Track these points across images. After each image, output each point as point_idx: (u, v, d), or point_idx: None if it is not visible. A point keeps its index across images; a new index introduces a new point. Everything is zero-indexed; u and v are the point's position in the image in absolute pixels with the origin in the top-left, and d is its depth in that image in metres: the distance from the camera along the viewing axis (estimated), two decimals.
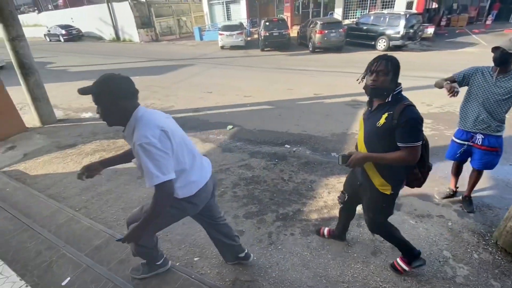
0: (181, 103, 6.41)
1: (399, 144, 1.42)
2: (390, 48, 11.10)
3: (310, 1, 17.72)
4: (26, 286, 1.47)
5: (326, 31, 11.05)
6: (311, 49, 12.00)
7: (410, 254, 1.85)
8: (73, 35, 20.63)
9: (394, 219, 2.46)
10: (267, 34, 12.28)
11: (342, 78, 7.64)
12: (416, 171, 1.59)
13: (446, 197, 2.70)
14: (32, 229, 2.14)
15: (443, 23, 15.37)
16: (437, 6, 16.12)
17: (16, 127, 5.04)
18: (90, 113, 6.07)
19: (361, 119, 1.67)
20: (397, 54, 11.00)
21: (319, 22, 11.26)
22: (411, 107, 1.41)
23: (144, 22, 19.37)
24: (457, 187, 2.70)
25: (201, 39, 17.99)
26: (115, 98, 1.27)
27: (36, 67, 5.22)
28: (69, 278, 1.67)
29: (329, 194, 2.86)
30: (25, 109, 6.04)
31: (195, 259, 2.14)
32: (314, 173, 3.28)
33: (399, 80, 1.49)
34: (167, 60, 12.10)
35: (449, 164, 2.75)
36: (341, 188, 2.02)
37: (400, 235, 1.84)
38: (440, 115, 4.91)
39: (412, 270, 1.90)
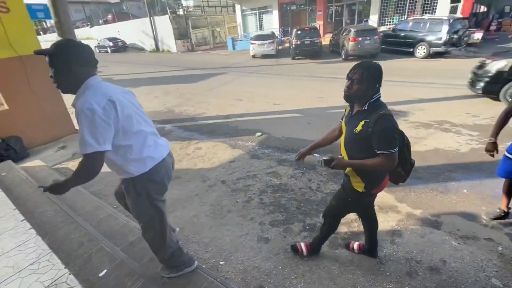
0: (212, 110, 6.63)
1: (377, 151, 1.45)
2: (430, 55, 10.45)
3: (344, 9, 17.46)
4: (69, 274, 1.60)
5: (360, 38, 10.77)
6: (343, 56, 11.75)
7: (315, 249, 2.12)
8: (118, 47, 22.56)
9: (432, 238, 2.27)
10: (299, 42, 12.31)
11: None
12: (399, 169, 1.63)
13: (496, 218, 2.43)
14: (76, 222, 2.34)
15: (492, 27, 14.15)
16: (485, 9, 14.90)
17: (67, 129, 5.61)
18: None
19: (343, 122, 1.70)
20: (438, 61, 10.30)
21: (352, 30, 11.03)
22: (386, 116, 1.43)
23: (181, 34, 20.57)
24: (510, 208, 2.42)
25: (234, 48, 18.58)
26: (69, 62, 1.24)
27: None
28: (105, 270, 1.80)
29: None
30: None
31: (221, 262, 2.17)
32: None
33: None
34: (201, 69, 12.67)
35: (499, 182, 2.48)
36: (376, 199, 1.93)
37: (334, 231, 2.01)
38: (489, 127, 4.47)
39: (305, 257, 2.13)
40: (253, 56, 14.53)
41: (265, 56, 14.31)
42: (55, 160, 4.47)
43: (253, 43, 13.97)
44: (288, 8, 19.17)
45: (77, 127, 5.71)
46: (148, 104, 7.49)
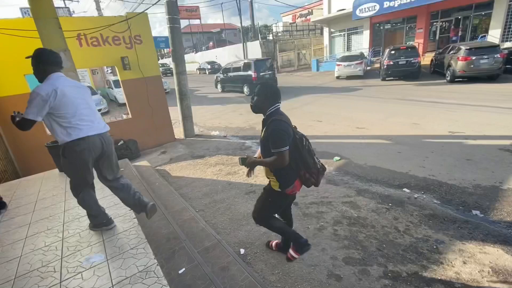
0: None
1: (271, 150, 1.74)
2: None
3: (452, 25, 15.20)
4: (156, 265, 1.85)
5: (473, 57, 9.09)
6: (449, 78, 10.12)
7: (299, 243, 2.09)
8: (215, 69, 25.86)
9: None
10: (391, 63, 11.34)
11: (495, 115, 5.97)
12: (302, 172, 1.87)
13: None
14: (167, 219, 2.71)
15: None
16: None
17: (169, 137, 6.68)
18: (217, 132, 7.27)
19: None
20: None
21: (463, 47, 9.44)
22: (274, 120, 1.75)
23: (268, 57, 22.04)
24: None
25: (318, 70, 18.60)
26: (38, 62, 1.99)
27: (189, 93, 6.83)
28: (184, 269, 1.99)
29: (464, 265, 2.19)
30: (175, 124, 7.85)
31: None
32: (443, 231, 2.61)
33: None
34: (284, 89, 13.13)
35: None
36: (485, 261, 1.52)
37: (283, 225, 2.14)
38: None
39: (301, 256, 2.16)
40: (338, 77, 14.17)
41: (350, 78, 13.74)
42: (157, 162, 5.35)
43: (339, 64, 13.66)
44: (381, 27, 18.08)
45: (176, 136, 6.70)
46: (233, 120, 8.21)
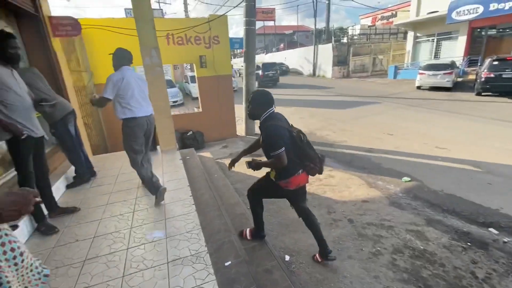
0: (355, 139, 6.28)
1: (270, 154, 1.98)
2: None
3: None
4: (206, 253, 1.97)
5: None
6: None
7: (258, 232, 2.50)
8: (282, 70, 26.05)
9: None
10: (492, 75, 9.50)
11: None
12: (307, 163, 2.06)
13: None
14: (220, 211, 2.87)
15: None
16: None
17: (231, 133, 7.05)
18: None
19: None
20: None
21: None
22: (268, 126, 1.97)
23: (339, 61, 21.05)
24: None
25: (395, 77, 16.91)
26: (117, 57, 2.72)
27: None
28: (230, 262, 2.07)
29: None
30: (238, 122, 8.21)
31: None
32: None
33: None
34: (353, 96, 12.37)
35: None
36: None
37: (260, 212, 2.45)
38: None
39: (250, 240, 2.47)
40: (419, 88, 12.60)
41: (434, 89, 12.07)
42: (218, 155, 5.70)
43: (422, 73, 12.13)
44: (483, 33, 15.28)
45: (238, 133, 7.02)
46: (292, 123, 8.15)
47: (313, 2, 22.44)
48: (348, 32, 25.33)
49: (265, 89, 2.20)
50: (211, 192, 3.30)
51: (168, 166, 3.80)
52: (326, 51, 21.30)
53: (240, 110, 7.63)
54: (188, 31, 5.87)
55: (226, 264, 2.04)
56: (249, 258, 2.18)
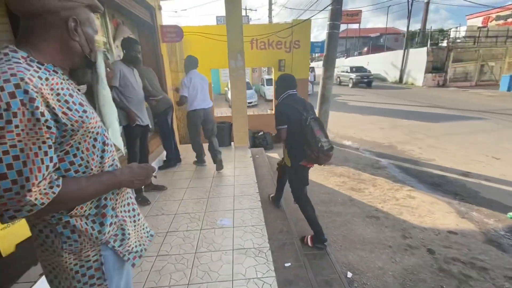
0: (446, 159, 5.39)
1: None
2: None
3: None
4: (268, 249, 2.05)
5: None
6: None
7: (318, 236, 2.49)
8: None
9: None
10: None
11: None
12: (305, 148, 2.24)
13: None
14: (284, 212, 2.92)
15: None
16: None
17: None
18: (349, 142, 6.91)
19: None
20: None
21: None
22: (280, 103, 2.35)
23: (435, 67, 18.29)
24: None
25: (509, 89, 13.70)
26: (189, 62, 3.57)
27: (330, 99, 6.84)
28: (290, 264, 2.10)
29: None
30: None
31: None
32: None
33: None
34: (448, 108, 10.60)
35: None
36: None
37: (314, 214, 2.53)
38: None
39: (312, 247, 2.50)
40: None
41: None
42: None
43: None
44: None
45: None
46: (370, 133, 7.53)
47: (407, 1, 20.15)
48: (449, 35, 21.71)
49: (290, 74, 2.51)
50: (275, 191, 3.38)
51: (239, 162, 4.07)
52: (419, 55, 18.82)
53: None
54: (271, 36, 6.12)
55: (286, 265, 2.07)
56: (309, 264, 2.16)
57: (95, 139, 0.75)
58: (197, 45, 6.09)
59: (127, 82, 2.48)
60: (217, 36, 5.70)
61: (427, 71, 18.24)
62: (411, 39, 22.13)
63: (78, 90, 0.76)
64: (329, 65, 6.48)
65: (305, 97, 6.72)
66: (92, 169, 0.75)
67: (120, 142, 0.94)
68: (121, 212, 0.85)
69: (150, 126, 2.85)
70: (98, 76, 0.78)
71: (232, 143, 5.01)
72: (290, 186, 2.61)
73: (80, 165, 0.72)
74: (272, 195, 3.14)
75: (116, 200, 0.83)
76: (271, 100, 13.96)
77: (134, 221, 0.91)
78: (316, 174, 4.84)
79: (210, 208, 2.69)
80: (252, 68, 18.29)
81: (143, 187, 3.04)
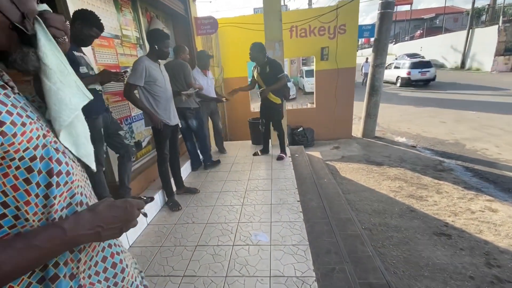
0: None
1: (278, 76, 3.43)
2: None
3: None
4: (314, 280, 1.65)
5: None
6: None
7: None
8: None
9: None
10: None
11: None
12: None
13: None
14: (330, 226, 2.48)
15: None
16: None
17: (345, 133, 6.34)
18: (404, 138, 6.04)
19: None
20: None
21: None
22: (274, 60, 3.55)
23: (508, 48, 15.45)
24: None
25: None
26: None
27: (381, 89, 6.02)
28: None
29: None
30: (354, 121, 7.31)
31: None
32: None
33: None
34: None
35: None
36: None
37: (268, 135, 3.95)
38: None
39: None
40: None
41: None
42: (328, 157, 5.21)
43: None
44: None
45: (353, 133, 6.23)
46: (429, 128, 6.50)
47: None
48: None
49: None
50: (320, 199, 2.93)
51: (277, 162, 3.69)
52: (487, 35, 16.07)
53: (358, 108, 6.74)
54: (312, 21, 5.54)
55: None
56: None
57: (29, 169, 0.44)
58: (233, 37, 5.80)
59: (153, 79, 2.25)
60: (254, 26, 5.33)
61: (497, 53, 15.54)
62: (477, 17, 19.04)
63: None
64: (380, 51, 5.68)
65: (351, 90, 6.00)
66: (29, 221, 0.44)
67: (90, 160, 0.60)
68: (89, 277, 0.54)
69: (180, 126, 2.62)
70: (42, 62, 0.46)
71: (270, 140, 4.63)
72: (276, 120, 3.69)
73: (3, 216, 0.42)
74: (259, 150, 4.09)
75: (79, 261, 0.52)
76: (310, 93, 13.21)
77: (115, 284, 0.60)
78: (365, 176, 4.23)
79: (244, 218, 2.37)
80: (290, 59, 17.57)
81: (174, 189, 2.86)
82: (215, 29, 4.32)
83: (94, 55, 2.33)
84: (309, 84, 13.54)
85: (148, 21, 3.40)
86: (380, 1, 5.45)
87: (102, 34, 2.46)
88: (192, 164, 3.61)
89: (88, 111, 1.91)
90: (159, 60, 2.39)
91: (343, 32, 5.60)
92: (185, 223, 2.36)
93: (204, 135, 3.49)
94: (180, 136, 3.75)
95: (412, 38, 28.67)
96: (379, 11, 5.49)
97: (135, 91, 2.28)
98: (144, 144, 3.08)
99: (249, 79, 6.33)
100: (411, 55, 22.03)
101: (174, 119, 2.47)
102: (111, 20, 2.62)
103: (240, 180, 3.18)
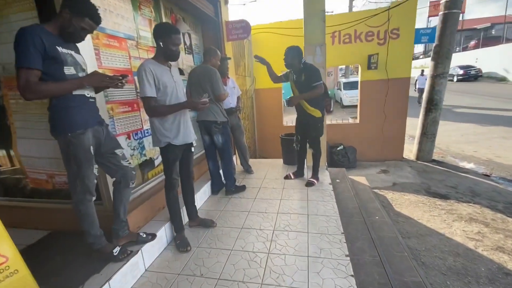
0: None
1: (312, 85, 2.82)
2: None
3: None
4: None
5: None
6: None
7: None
8: (469, 75, 19.53)
9: None
10: None
11: None
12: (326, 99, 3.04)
13: None
14: (389, 282, 1.71)
15: None
16: None
17: (395, 154, 5.38)
18: (471, 164, 4.92)
19: None
20: None
21: None
22: (311, 65, 2.99)
23: None
24: None
25: None
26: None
27: (441, 104, 5.02)
28: None
29: None
30: (408, 141, 6.26)
31: None
32: None
33: None
34: None
35: None
36: None
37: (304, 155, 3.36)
38: None
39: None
40: None
41: None
42: (375, 183, 4.34)
43: None
44: None
45: (404, 155, 5.25)
46: (503, 153, 5.27)
47: None
48: None
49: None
50: (375, 250, 2.16)
51: (315, 190, 2.99)
52: None
53: (410, 126, 5.75)
54: (358, 26, 4.84)
55: None
56: None
57: None
58: (267, 45, 5.33)
59: (162, 86, 1.78)
60: (292, 32, 4.80)
61: None
62: None
63: None
64: (442, 58, 4.75)
65: (405, 104, 5.10)
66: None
67: None
68: None
69: (195, 144, 2.10)
70: None
71: (305, 160, 3.95)
72: (314, 136, 3.08)
73: None
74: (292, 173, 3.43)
75: None
76: (349, 106, 12.22)
77: None
78: (428, 213, 3.32)
79: (270, 277, 1.72)
80: (327, 71, 16.76)
81: (186, 221, 2.32)
82: (247, 33, 3.85)
83: (98, 56, 1.93)
84: (348, 97, 12.62)
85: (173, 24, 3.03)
86: (444, 0, 4.57)
87: (111, 33, 2.12)
88: (213, 186, 3.08)
89: (71, 123, 1.39)
90: (170, 63, 1.91)
91: (395, 37, 4.81)
92: (191, 274, 1.78)
93: (229, 155, 2.94)
94: (201, 152, 3.28)
95: (465, 49, 26.03)
96: (442, 12, 4.60)
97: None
98: (157, 162, 2.62)
99: (283, 92, 5.78)
100: (465, 67, 19.87)
101: (187, 137, 1.95)
102: (126, 18, 2.25)
103: (267, 213, 2.54)
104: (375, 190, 4.01)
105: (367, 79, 5.10)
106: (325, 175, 3.45)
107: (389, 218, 3.08)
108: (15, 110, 2.00)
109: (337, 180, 3.64)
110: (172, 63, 1.97)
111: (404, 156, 5.44)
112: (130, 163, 1.76)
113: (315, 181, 3.14)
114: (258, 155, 5.65)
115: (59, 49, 1.37)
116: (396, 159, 5.36)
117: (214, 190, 3.07)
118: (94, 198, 1.59)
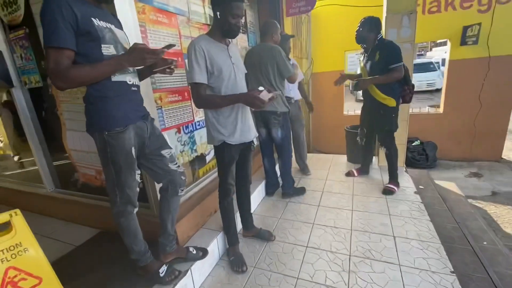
0: None
1: (390, 67, 2.22)
2: None
3: None
4: None
5: None
6: None
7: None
8: None
9: None
10: None
11: None
12: (405, 87, 2.36)
13: None
14: None
15: None
16: None
17: (490, 153, 4.27)
18: None
19: None
20: None
21: None
22: (391, 41, 2.34)
23: None
24: None
25: None
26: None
27: None
28: None
29: None
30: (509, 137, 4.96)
31: None
32: None
33: None
34: None
35: None
36: None
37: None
38: None
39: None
40: None
41: None
42: (467, 190, 3.45)
43: None
44: None
45: (504, 155, 4.13)
46: None
47: None
48: None
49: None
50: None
51: (396, 200, 2.38)
52: None
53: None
54: None
55: None
56: None
57: None
58: (329, 21, 4.60)
59: (216, 69, 1.37)
60: (366, 2, 4.00)
61: None
62: None
63: None
64: None
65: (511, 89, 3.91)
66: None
67: None
68: None
69: (256, 143, 1.69)
70: None
71: (374, 158, 3.30)
72: (385, 130, 2.44)
73: None
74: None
75: None
76: (419, 92, 10.56)
77: None
78: None
79: (356, 259, 1.26)
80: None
81: (240, 229, 1.98)
82: (312, 5, 3.23)
83: (145, 35, 1.61)
84: (417, 81, 10.94)
85: None
86: None
87: (159, 6, 1.77)
88: (267, 186, 2.68)
89: (108, 118, 1.10)
90: (229, 40, 1.50)
91: (506, 1, 3.64)
92: None
93: (289, 152, 2.49)
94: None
95: None
96: None
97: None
98: (208, 158, 2.31)
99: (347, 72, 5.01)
100: None
101: (245, 135, 1.54)
102: None
103: (337, 229, 2.04)
104: (470, 200, 3.15)
105: (459, 57, 4.03)
106: (406, 180, 2.78)
107: (501, 244, 2.30)
108: (63, 99, 1.83)
109: (421, 187, 2.91)
110: (233, 40, 1.55)
111: (503, 156, 4.29)
112: (179, 166, 1.43)
113: (395, 188, 2.52)
114: (312, 149, 5.08)
115: (95, 21, 1.05)
116: (491, 160, 4.25)
117: (269, 192, 2.68)
118: (136, 210, 1.31)
